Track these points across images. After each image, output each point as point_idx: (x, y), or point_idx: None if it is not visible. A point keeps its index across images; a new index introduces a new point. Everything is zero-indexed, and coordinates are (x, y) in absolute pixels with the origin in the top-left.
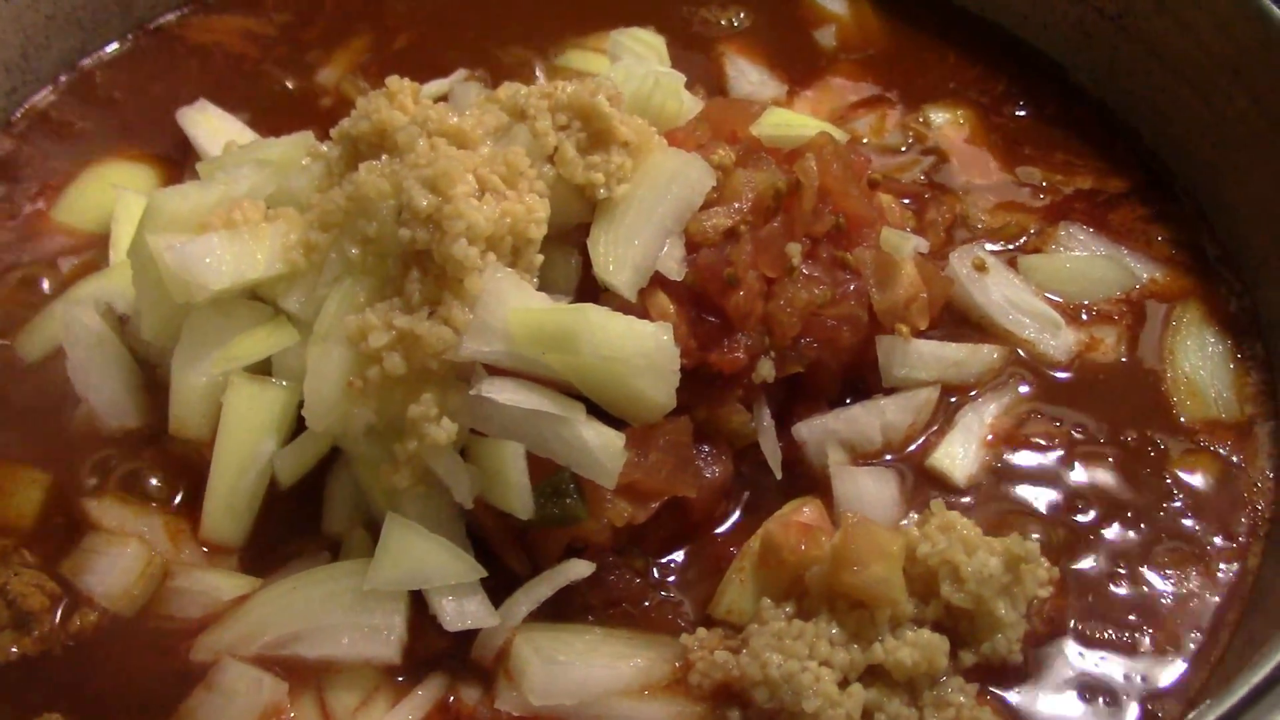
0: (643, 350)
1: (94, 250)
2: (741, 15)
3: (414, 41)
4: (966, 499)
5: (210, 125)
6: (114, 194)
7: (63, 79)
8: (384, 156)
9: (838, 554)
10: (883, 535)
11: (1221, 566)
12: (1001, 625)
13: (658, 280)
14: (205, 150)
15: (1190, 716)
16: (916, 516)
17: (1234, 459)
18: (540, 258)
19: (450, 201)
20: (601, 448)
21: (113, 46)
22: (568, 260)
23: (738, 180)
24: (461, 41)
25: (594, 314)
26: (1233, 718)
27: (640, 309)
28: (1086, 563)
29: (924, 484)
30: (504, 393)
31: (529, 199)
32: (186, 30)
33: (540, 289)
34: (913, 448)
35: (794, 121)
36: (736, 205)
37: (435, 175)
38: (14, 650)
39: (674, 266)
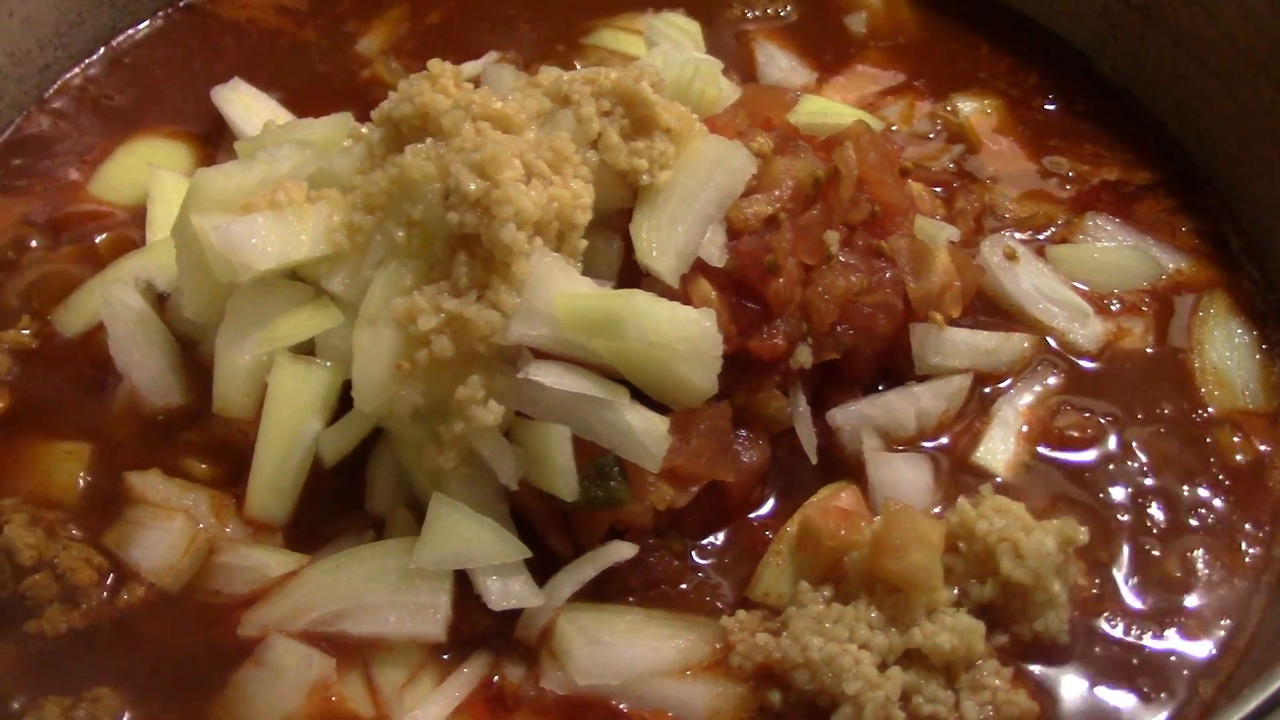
0: (687, 336)
1: (131, 226)
2: (788, 8)
3: (447, 16)
4: (1006, 489)
5: (245, 104)
6: (149, 171)
7: (97, 55)
8: (429, 140)
9: (879, 540)
10: (924, 523)
11: (1249, 555)
12: (1055, 603)
13: (699, 266)
14: (240, 129)
15: (1230, 707)
16: (965, 499)
17: (1261, 449)
18: (584, 243)
19: (499, 186)
20: (646, 432)
21: (145, 23)
22: (610, 246)
23: (777, 168)
24: (493, 15)
25: (640, 300)
26: (1264, 713)
27: (682, 295)
28: (1118, 550)
29: (959, 473)
30: (550, 376)
31: (574, 184)
32: (220, 6)
33: (583, 274)
34: (946, 438)
35: (830, 109)
36: (777, 193)
37: (483, 160)
38: (63, 623)
39: (715, 253)
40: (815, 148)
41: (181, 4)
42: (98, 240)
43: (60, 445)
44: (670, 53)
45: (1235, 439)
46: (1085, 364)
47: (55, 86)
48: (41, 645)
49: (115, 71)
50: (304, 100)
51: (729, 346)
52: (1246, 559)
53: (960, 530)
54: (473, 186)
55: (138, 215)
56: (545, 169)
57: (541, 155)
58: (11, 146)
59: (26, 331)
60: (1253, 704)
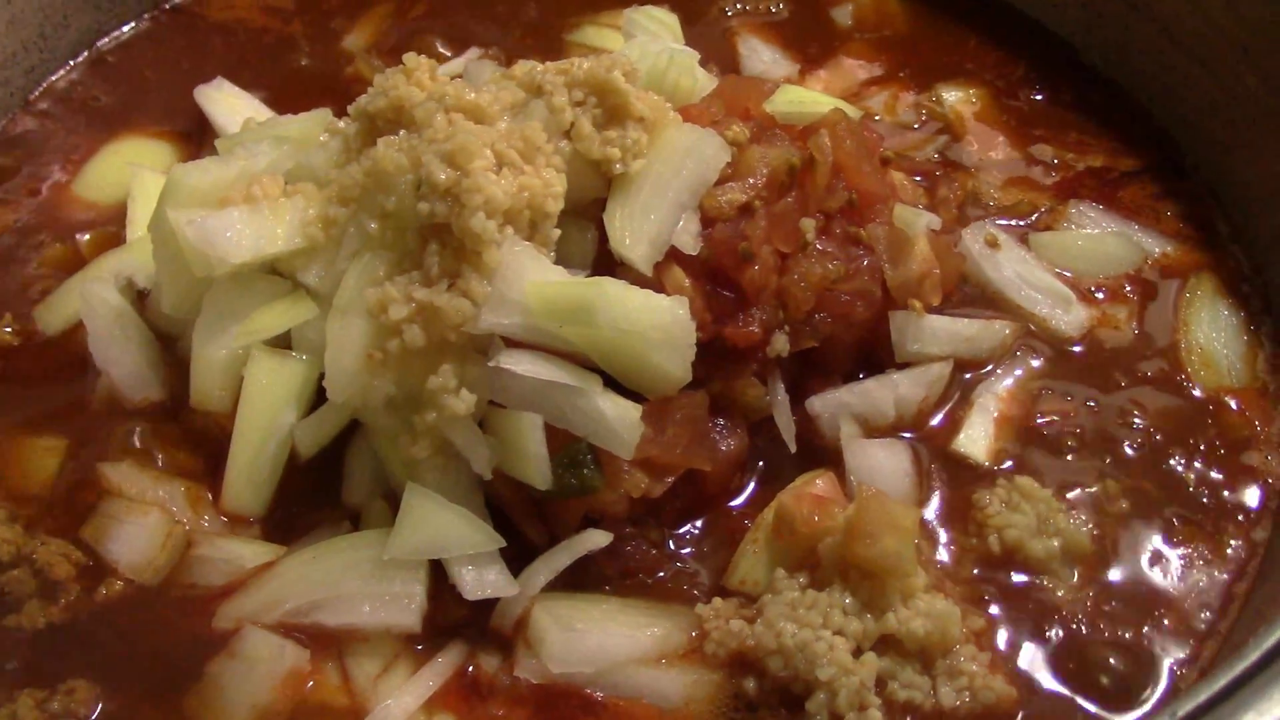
0: (659, 324)
1: (114, 225)
2: (780, 5)
3: (431, 12)
4: (991, 474)
5: (228, 103)
6: (129, 170)
7: (82, 57)
8: (402, 132)
9: (851, 526)
10: (896, 509)
11: (1231, 540)
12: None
13: (673, 255)
14: (223, 128)
15: (1197, 687)
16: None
17: (1246, 431)
18: (557, 232)
19: (469, 176)
20: (618, 419)
21: (130, 25)
22: (584, 235)
23: (752, 156)
24: (477, 12)
25: (611, 287)
26: (1236, 688)
27: (656, 283)
28: (1101, 534)
29: (939, 460)
30: (522, 364)
31: (546, 174)
32: (206, 8)
33: (557, 263)
34: (935, 422)
35: (807, 98)
36: (751, 181)
37: (454, 150)
38: (42, 619)
39: (689, 241)
40: (793, 136)
41: (168, 6)
42: (82, 239)
43: (39, 441)
44: (646, 43)
45: (1222, 419)
46: (1068, 350)
47: (41, 88)
48: (18, 639)
49: (101, 73)
50: (289, 98)
51: (704, 334)
52: (1229, 545)
53: (1019, 495)
54: (443, 176)
55: (122, 214)
56: (516, 158)
57: (513, 145)
58: None
59: (9, 330)
60: (1221, 682)
